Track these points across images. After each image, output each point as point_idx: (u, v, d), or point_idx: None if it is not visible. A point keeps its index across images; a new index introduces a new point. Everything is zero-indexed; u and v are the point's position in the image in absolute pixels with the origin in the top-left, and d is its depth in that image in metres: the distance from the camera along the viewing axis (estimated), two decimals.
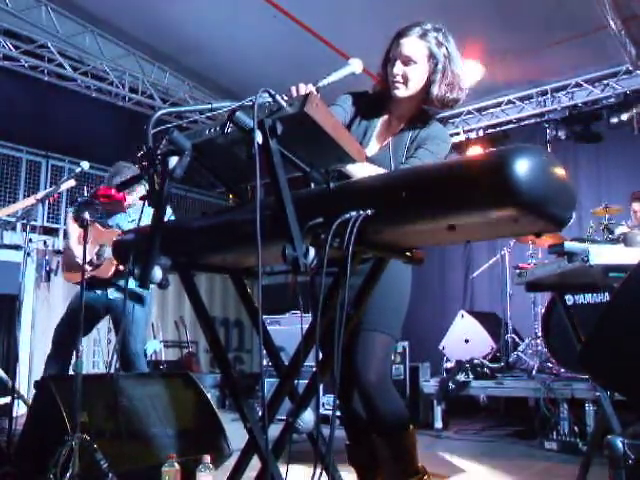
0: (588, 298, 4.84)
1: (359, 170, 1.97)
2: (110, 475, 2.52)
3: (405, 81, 2.18)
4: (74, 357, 2.80)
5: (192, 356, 8.14)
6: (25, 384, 6.31)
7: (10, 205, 4.31)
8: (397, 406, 2.20)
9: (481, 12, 5.73)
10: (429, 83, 2.19)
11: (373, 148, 2.29)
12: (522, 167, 1.21)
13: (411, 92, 2.20)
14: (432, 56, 2.16)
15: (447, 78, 2.18)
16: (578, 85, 7.05)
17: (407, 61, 2.17)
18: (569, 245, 2.55)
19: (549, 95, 7.26)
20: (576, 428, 4.46)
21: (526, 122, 7.62)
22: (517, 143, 1.29)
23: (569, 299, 4.83)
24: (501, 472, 3.88)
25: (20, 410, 4.02)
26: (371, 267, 1.69)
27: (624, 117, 6.80)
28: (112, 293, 4.03)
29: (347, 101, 2.32)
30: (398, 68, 2.18)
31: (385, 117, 2.32)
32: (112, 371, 3.82)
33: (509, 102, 7.56)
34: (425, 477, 2.20)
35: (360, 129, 2.30)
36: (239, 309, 9.06)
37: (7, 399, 3.96)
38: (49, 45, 6.46)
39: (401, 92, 2.20)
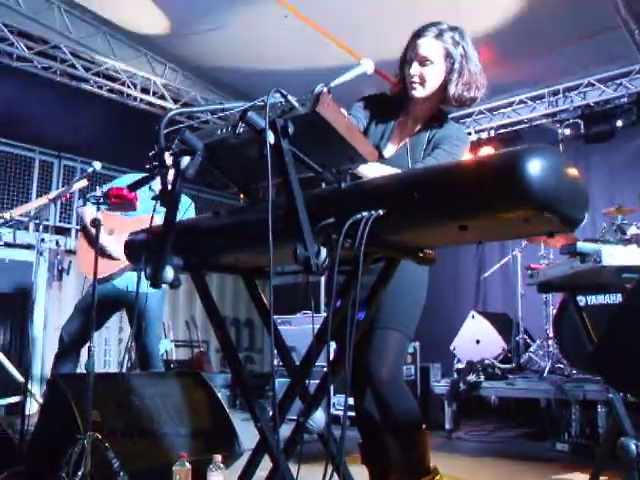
0: (600, 299, 4.80)
1: (371, 170, 1.97)
2: (121, 474, 2.53)
3: (422, 81, 2.19)
4: (86, 356, 2.81)
5: (203, 355, 8.16)
6: (37, 382, 6.36)
7: (23, 205, 4.34)
8: (409, 405, 2.20)
9: (494, 11, 5.71)
10: (446, 83, 2.19)
11: (390, 149, 2.29)
12: (535, 167, 1.21)
13: (428, 92, 2.20)
14: (449, 56, 2.16)
15: (464, 77, 2.18)
16: (590, 85, 7.00)
17: (424, 61, 2.17)
18: (581, 245, 2.53)
19: (561, 95, 7.22)
20: (588, 430, 4.43)
21: (538, 122, 7.57)
22: (529, 143, 1.28)
23: (581, 300, 4.80)
24: (512, 473, 3.87)
25: (32, 408, 4.05)
26: (383, 267, 1.69)
27: (636, 117, 6.76)
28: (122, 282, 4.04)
29: (359, 108, 2.33)
30: (415, 69, 2.18)
31: (402, 118, 2.32)
32: (124, 370, 3.84)
33: (521, 102, 7.51)
34: (437, 477, 2.20)
35: (377, 131, 2.31)
36: (250, 309, 9.07)
37: (19, 397, 3.99)
38: (62, 46, 6.49)
39: (418, 92, 2.20)
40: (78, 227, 4.07)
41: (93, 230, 3.19)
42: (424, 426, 2.22)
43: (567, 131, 7.19)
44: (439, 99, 2.25)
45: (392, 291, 1.78)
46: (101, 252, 3.93)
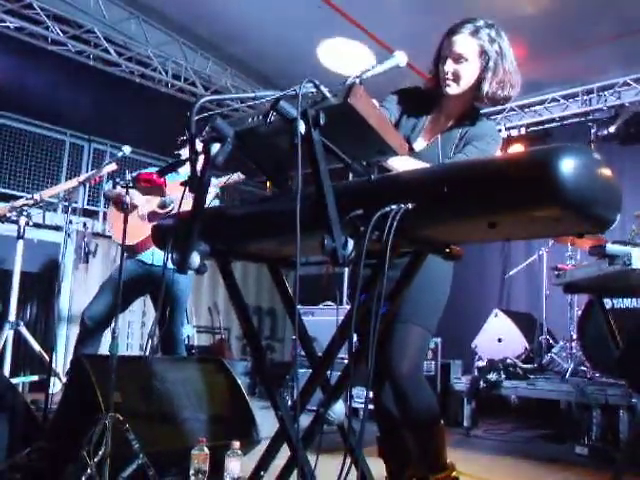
0: (627, 303, 4.73)
1: (400, 164, 1.96)
2: (141, 455, 2.56)
3: (456, 79, 2.17)
4: (107, 339, 2.84)
5: (224, 342, 8.22)
6: (61, 362, 6.46)
7: (53, 187, 4.40)
8: (429, 400, 2.20)
9: (528, 7, 5.63)
10: (480, 80, 2.17)
11: (421, 143, 2.28)
12: (568, 166, 1.19)
13: (462, 89, 2.19)
14: (484, 53, 2.14)
15: (498, 75, 2.16)
16: (626, 84, 6.87)
17: (458, 59, 2.15)
18: (611, 247, 2.50)
19: (595, 94, 7.10)
20: (609, 435, 4.38)
21: (570, 121, 7.45)
22: (559, 142, 1.27)
23: (607, 302, 4.73)
24: (529, 475, 3.84)
25: (56, 387, 4.11)
26: (409, 261, 1.68)
27: None
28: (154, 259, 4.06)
29: (392, 101, 2.32)
30: (449, 66, 2.17)
31: (434, 113, 2.31)
32: (147, 353, 3.87)
33: (553, 100, 7.41)
34: (453, 473, 2.20)
35: (409, 124, 2.30)
36: (272, 298, 9.12)
37: (43, 376, 4.05)
38: (96, 30, 6.54)
39: (452, 89, 2.19)
40: (107, 207, 4.08)
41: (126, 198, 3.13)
42: (442, 422, 2.22)
43: (599, 131, 7.06)
44: (472, 96, 2.23)
45: (416, 286, 1.77)
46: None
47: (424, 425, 2.16)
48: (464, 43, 2.14)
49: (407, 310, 2.11)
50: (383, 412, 2.34)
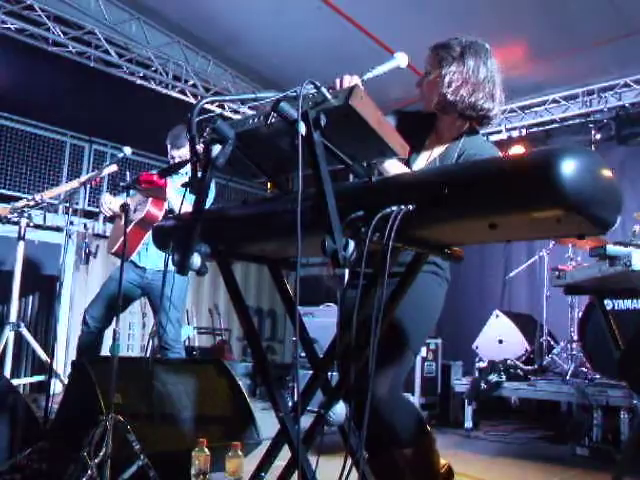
0: (628, 304, 4.73)
1: (394, 169, 1.95)
2: (141, 457, 2.56)
3: (422, 96, 2.19)
4: (109, 339, 2.84)
5: (225, 344, 8.20)
6: (62, 363, 6.46)
7: (54, 188, 4.40)
8: (408, 418, 2.16)
9: (528, 8, 5.62)
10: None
11: (420, 164, 2.25)
12: (568, 167, 1.19)
13: (432, 103, 2.16)
14: (442, 60, 2.11)
15: (448, 76, 2.09)
16: (627, 85, 6.87)
17: (425, 76, 2.18)
18: (611, 249, 2.50)
19: (595, 95, 7.09)
20: (609, 436, 4.38)
21: (570, 122, 7.44)
22: (560, 143, 1.27)
23: (608, 304, 4.73)
24: (530, 475, 3.84)
25: (57, 388, 4.11)
26: (408, 264, 1.68)
27: None
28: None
29: (392, 120, 2.30)
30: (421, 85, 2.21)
31: (432, 136, 2.28)
32: (148, 355, 3.88)
33: (554, 101, 7.41)
34: (452, 477, 2.18)
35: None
36: (273, 299, 9.10)
37: (44, 377, 4.05)
38: (96, 32, 6.55)
39: (426, 107, 2.20)
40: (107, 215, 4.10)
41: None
42: (428, 429, 2.19)
43: (600, 132, 7.05)
44: (456, 111, 2.15)
45: (406, 305, 1.74)
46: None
47: (408, 440, 2.11)
48: (427, 59, 2.18)
49: (393, 328, 2.02)
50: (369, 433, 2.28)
